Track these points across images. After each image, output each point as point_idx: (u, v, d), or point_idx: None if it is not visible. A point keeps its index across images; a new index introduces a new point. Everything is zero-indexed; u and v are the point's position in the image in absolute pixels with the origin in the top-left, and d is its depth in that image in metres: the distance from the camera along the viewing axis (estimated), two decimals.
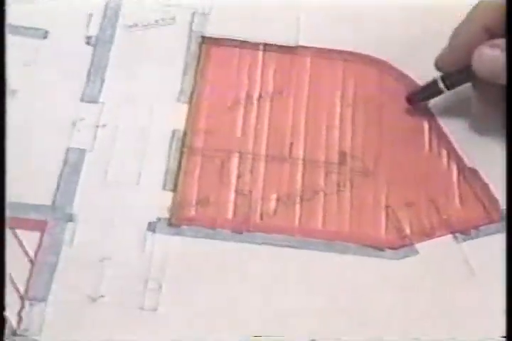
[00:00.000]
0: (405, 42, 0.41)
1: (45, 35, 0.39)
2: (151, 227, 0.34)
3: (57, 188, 0.34)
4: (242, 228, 0.34)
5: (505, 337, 0.31)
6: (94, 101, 0.37)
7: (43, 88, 0.37)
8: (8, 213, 0.32)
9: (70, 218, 0.33)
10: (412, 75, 0.39)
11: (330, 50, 0.40)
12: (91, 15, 0.40)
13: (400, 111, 0.38)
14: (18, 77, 0.37)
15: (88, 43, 0.39)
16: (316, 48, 0.40)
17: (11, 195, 0.33)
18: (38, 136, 0.35)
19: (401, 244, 0.34)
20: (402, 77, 0.39)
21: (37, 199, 0.33)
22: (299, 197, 0.35)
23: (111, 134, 0.36)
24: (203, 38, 0.40)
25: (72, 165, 0.35)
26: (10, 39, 0.38)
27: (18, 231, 0.32)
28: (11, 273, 0.31)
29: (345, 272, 0.33)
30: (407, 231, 0.34)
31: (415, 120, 0.38)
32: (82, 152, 0.35)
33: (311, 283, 0.33)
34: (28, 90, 0.37)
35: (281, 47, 0.40)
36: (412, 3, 0.42)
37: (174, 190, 0.35)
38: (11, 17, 0.38)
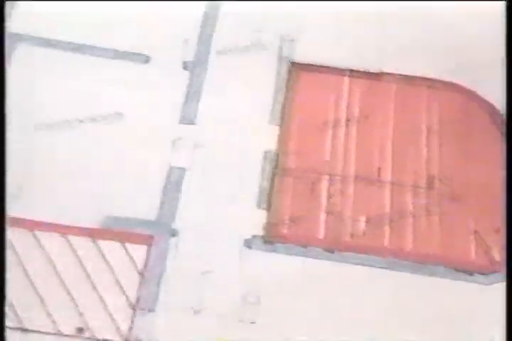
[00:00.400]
0: (488, 68, 0.42)
1: (146, 60, 0.42)
2: (248, 244, 0.36)
3: (161, 204, 0.37)
4: (333, 247, 0.36)
5: None
6: (191, 122, 0.40)
7: (146, 110, 0.40)
8: (118, 227, 0.36)
9: (174, 233, 0.36)
10: (494, 101, 0.40)
11: (414, 77, 0.42)
12: (187, 40, 0.43)
13: (487, 138, 0.40)
14: (123, 100, 0.40)
15: (185, 68, 0.42)
16: (400, 75, 0.42)
17: (119, 210, 0.36)
18: (143, 155, 0.38)
19: (491, 270, 0.35)
20: (485, 103, 0.41)
21: (143, 214, 0.36)
22: (388, 219, 0.37)
23: (207, 154, 0.39)
24: (292, 63, 0.43)
25: (173, 182, 0.38)
26: (114, 63, 0.41)
27: (128, 245, 0.35)
28: (121, 284, 0.34)
29: (433, 294, 0.34)
30: (497, 257, 0.36)
31: (503, 146, 0.39)
32: (182, 171, 0.38)
33: (400, 304, 0.34)
34: (131, 112, 0.39)
35: (366, 73, 0.42)
36: (492, 31, 0.44)
37: (268, 208, 0.37)
38: (117, 43, 0.42)
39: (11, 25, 0.40)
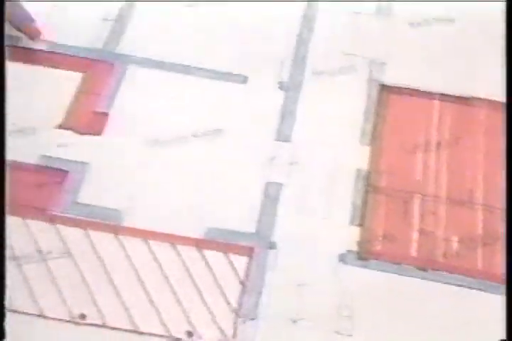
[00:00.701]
0: None
1: (244, 80, 0.44)
2: (342, 258, 0.37)
3: (260, 218, 0.39)
4: (426, 266, 0.37)
5: None
6: (287, 140, 0.42)
7: (244, 128, 0.42)
8: (220, 238, 0.37)
9: (272, 246, 0.38)
10: None
11: (503, 103, 0.43)
12: (283, 62, 0.46)
13: None
14: (222, 118, 0.42)
15: (281, 88, 0.44)
16: (490, 101, 0.43)
17: (221, 222, 0.38)
18: (242, 169, 0.40)
19: None
20: None
21: (243, 227, 0.38)
22: (480, 241, 0.38)
23: (302, 171, 0.41)
24: (382, 86, 0.44)
25: (271, 197, 0.40)
26: (215, 83, 0.44)
27: (230, 255, 0.37)
28: (224, 291, 0.36)
29: None
30: None
31: None
32: (279, 186, 0.40)
33: (491, 325, 0.35)
34: (231, 130, 0.42)
35: (456, 97, 0.44)
36: None
37: (361, 225, 0.39)
38: (217, 64, 0.44)
39: (123, 48, 0.43)
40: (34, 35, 0.42)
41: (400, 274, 0.37)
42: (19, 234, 0.36)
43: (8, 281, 0.34)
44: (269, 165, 0.41)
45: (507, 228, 0.37)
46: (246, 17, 0.47)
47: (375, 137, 0.42)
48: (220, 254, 0.37)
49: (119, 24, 0.45)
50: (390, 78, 0.45)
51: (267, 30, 0.46)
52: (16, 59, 0.42)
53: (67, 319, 0.34)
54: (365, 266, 0.37)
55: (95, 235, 0.37)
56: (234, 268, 0.37)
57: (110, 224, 0.37)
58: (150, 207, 0.38)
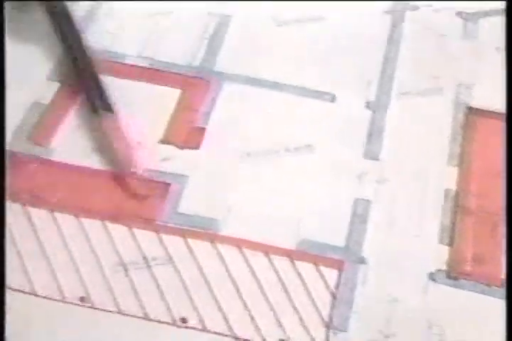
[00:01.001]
0: None
1: (332, 99, 0.46)
2: (432, 277, 0.38)
3: (349, 233, 0.40)
4: None
5: None
6: (375, 158, 0.43)
7: (332, 144, 0.43)
8: (311, 250, 0.39)
9: (362, 261, 0.39)
10: None
11: None
12: (370, 82, 0.47)
13: None
14: (312, 134, 0.44)
15: (368, 107, 0.46)
16: None
17: (312, 235, 0.39)
18: (331, 185, 0.41)
19: None
20: None
21: (333, 240, 0.39)
22: None
23: (391, 189, 0.42)
24: (469, 108, 0.45)
25: (359, 213, 0.41)
26: (304, 100, 0.45)
27: (321, 268, 0.38)
28: (315, 302, 0.37)
29: None
30: None
31: None
32: (367, 203, 0.41)
33: None
34: (320, 146, 0.43)
35: None
36: None
37: (450, 244, 0.39)
38: (306, 81, 0.46)
39: (219, 65, 0.45)
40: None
41: (489, 295, 0.37)
42: (126, 242, 0.38)
43: (117, 285, 0.37)
44: (358, 181, 0.42)
45: (507, 228, 0.37)
46: (336, 37, 0.48)
47: (463, 159, 0.43)
48: (311, 266, 0.38)
49: (215, 42, 0.47)
50: (477, 101, 0.45)
51: (356, 50, 0.48)
52: (120, 75, 0.45)
53: (170, 322, 0.36)
54: (454, 286, 0.38)
55: (194, 243, 0.39)
56: (325, 281, 0.38)
57: (208, 232, 0.39)
58: (245, 217, 0.40)
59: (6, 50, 0.44)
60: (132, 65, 0.45)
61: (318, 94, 0.45)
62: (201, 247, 0.38)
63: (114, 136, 0.41)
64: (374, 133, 0.44)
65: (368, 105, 0.46)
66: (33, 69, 0.45)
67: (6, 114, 0.41)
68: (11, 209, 0.39)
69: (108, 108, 0.42)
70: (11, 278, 0.36)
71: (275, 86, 0.45)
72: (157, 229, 0.39)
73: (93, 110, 0.42)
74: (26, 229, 0.38)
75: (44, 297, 0.36)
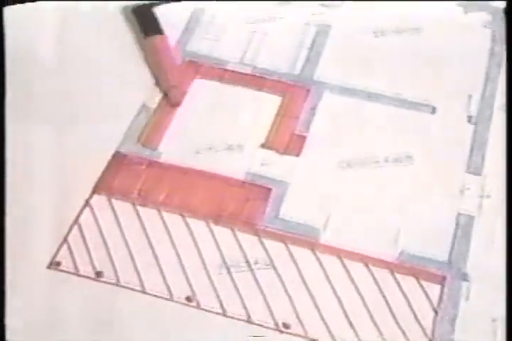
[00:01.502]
0: None
1: (433, 111, 0.45)
2: None
3: (452, 248, 0.39)
4: None
5: None
6: (477, 173, 0.42)
7: (433, 157, 0.42)
8: (412, 263, 0.38)
9: (465, 277, 0.38)
10: None
11: None
12: (471, 96, 0.46)
13: None
14: (412, 145, 0.42)
15: (469, 122, 0.45)
16: None
17: (413, 248, 0.38)
18: (433, 198, 0.40)
19: None
20: None
21: (435, 254, 0.39)
22: None
23: (494, 205, 0.41)
24: None
25: (463, 228, 0.40)
26: (402, 111, 0.44)
27: (423, 282, 0.37)
28: (417, 317, 0.36)
29: None
30: None
31: None
32: (470, 218, 0.40)
33: None
34: (421, 157, 0.42)
35: None
36: None
37: None
38: (405, 93, 0.45)
39: (318, 74, 0.45)
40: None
41: None
42: (229, 244, 0.39)
43: (221, 287, 0.37)
44: (460, 196, 0.41)
45: (507, 228, 0.36)
46: (434, 48, 0.47)
47: None
48: (412, 279, 0.38)
49: (314, 51, 0.47)
50: None
51: (455, 62, 0.47)
52: (223, 80, 0.46)
53: (273, 327, 0.36)
54: None
55: (294, 249, 0.39)
56: (427, 295, 0.37)
57: (308, 240, 0.39)
58: (345, 225, 0.39)
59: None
60: (234, 71, 0.46)
61: (417, 106, 0.45)
62: (302, 254, 0.38)
63: (162, 55, 0.43)
64: (476, 148, 0.44)
65: (469, 119, 0.45)
66: (142, 72, 0.46)
67: (117, 115, 0.43)
68: (122, 208, 0.40)
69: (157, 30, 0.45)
70: (122, 276, 0.37)
71: (374, 97, 0.45)
72: (258, 233, 0.39)
73: (145, 33, 0.45)
74: (136, 228, 0.39)
75: (154, 295, 0.37)
